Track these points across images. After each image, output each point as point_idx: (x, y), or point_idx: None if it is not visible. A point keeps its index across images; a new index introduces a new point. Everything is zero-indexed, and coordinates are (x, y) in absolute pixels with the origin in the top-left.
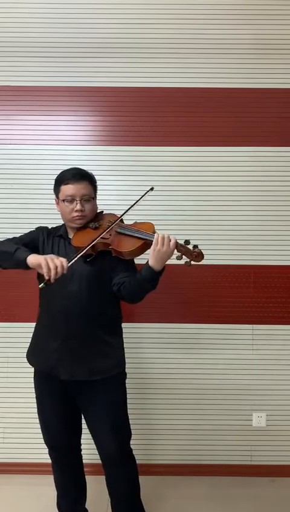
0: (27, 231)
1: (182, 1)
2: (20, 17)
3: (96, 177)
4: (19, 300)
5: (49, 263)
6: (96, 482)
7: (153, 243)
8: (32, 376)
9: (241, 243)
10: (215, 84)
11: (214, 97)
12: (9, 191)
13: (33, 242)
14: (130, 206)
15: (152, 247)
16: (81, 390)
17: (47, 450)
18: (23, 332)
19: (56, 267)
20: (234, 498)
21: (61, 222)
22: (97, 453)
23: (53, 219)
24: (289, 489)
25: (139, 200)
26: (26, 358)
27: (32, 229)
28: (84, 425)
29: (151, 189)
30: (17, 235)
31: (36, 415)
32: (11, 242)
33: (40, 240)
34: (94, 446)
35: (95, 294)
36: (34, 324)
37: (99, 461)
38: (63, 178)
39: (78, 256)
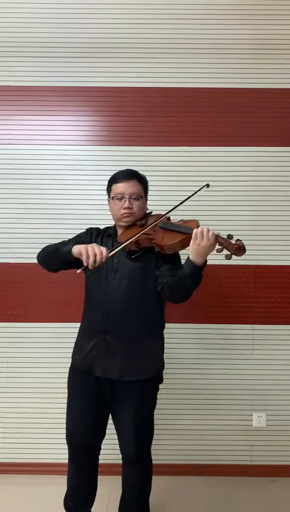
0: (26, 231)
1: (181, 1)
2: (20, 17)
3: (96, 177)
4: (19, 300)
5: (88, 250)
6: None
7: (193, 237)
8: (38, 376)
9: None
10: (215, 84)
11: (213, 97)
12: (9, 191)
13: (80, 243)
14: (180, 202)
15: (191, 241)
16: (112, 389)
17: (47, 449)
18: (23, 332)
19: (95, 254)
20: (234, 498)
21: (62, 222)
22: (101, 453)
23: (54, 218)
24: (289, 489)
25: (192, 195)
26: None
27: (78, 233)
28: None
29: (207, 185)
30: (18, 235)
31: (36, 415)
32: (58, 243)
33: (87, 239)
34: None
35: (136, 292)
36: (34, 324)
37: (101, 461)
38: (115, 177)
39: (120, 247)
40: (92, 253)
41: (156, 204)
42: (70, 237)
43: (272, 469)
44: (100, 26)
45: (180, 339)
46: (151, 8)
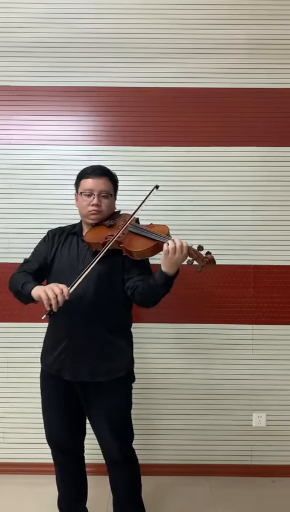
0: (26, 231)
1: (181, 1)
2: (20, 17)
3: None
4: None
5: (48, 293)
6: (96, 482)
7: (164, 250)
8: (37, 376)
9: (241, 243)
10: (215, 84)
11: (213, 97)
12: (9, 191)
13: (44, 259)
14: (138, 206)
15: (163, 255)
16: (85, 391)
17: (47, 449)
18: (23, 332)
19: (56, 296)
20: (234, 498)
21: (62, 222)
22: (98, 453)
23: (53, 219)
24: (289, 489)
25: (145, 199)
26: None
27: (40, 238)
28: (87, 426)
29: (156, 187)
30: (18, 235)
31: (36, 415)
32: (21, 275)
33: (49, 248)
34: (95, 446)
35: (103, 294)
36: (34, 324)
37: (100, 461)
38: (84, 172)
39: (80, 278)
40: (52, 295)
41: (156, 204)
42: (32, 251)
43: (272, 469)
44: (100, 26)
45: (180, 339)
46: (149, 8)
